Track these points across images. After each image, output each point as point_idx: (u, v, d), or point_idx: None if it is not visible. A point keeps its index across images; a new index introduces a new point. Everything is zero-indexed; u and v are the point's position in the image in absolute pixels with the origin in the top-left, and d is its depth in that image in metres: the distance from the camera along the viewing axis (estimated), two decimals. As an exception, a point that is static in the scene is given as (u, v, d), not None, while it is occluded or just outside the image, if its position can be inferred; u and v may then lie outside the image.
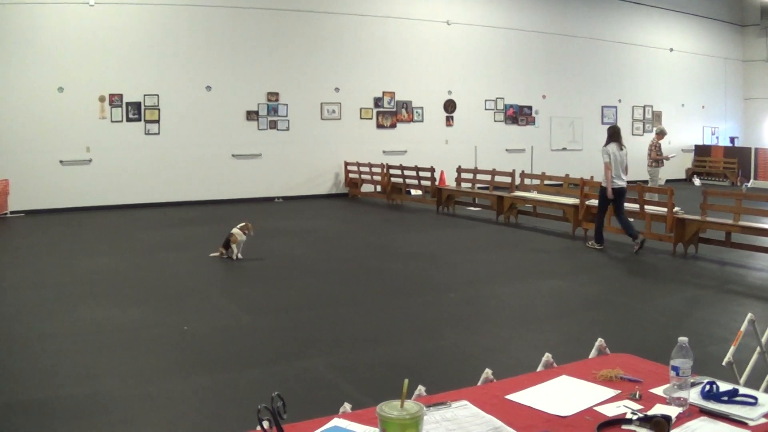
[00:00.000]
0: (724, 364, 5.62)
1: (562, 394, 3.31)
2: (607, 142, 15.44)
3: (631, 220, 15.63)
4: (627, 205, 15.68)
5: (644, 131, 33.50)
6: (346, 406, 3.22)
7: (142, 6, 23.41)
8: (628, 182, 15.62)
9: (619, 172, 15.11)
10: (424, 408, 2.61)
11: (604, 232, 15.68)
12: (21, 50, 22.00)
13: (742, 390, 3.23)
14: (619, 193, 15.17)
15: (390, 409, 2.56)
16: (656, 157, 21.80)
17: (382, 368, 7.76)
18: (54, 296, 11.50)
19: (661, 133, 22.34)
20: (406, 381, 2.66)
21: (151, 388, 7.27)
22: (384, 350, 8.46)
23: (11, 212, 21.76)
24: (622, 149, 15.36)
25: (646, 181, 22.17)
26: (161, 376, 7.63)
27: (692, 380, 3.16)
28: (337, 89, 26.60)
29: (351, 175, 26.55)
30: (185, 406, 6.85)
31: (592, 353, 3.98)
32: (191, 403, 6.93)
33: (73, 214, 21.94)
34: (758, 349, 5.79)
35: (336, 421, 2.99)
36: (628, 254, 14.76)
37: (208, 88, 24.58)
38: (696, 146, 34.97)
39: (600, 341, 4.00)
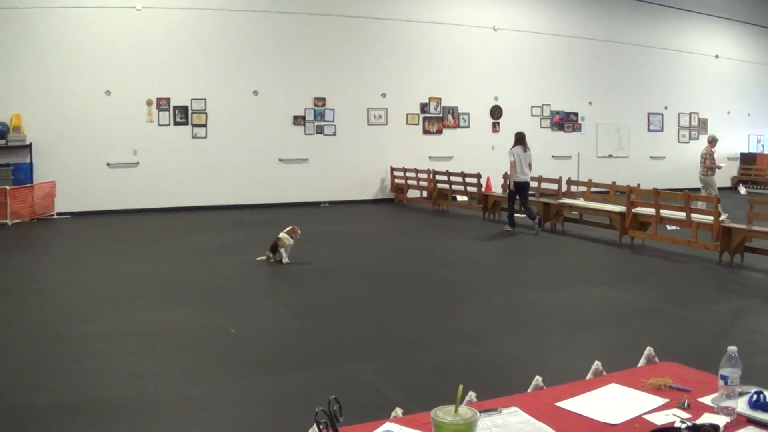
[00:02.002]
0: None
1: (612, 402, 3.30)
2: (513, 145, 19.01)
3: (676, 228, 15.74)
4: (672, 214, 15.84)
5: (690, 138, 33.31)
6: (398, 411, 3.22)
7: (189, 11, 23.59)
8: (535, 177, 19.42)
9: (523, 168, 18.74)
10: (478, 413, 2.62)
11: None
12: (69, 54, 22.25)
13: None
14: (522, 186, 18.89)
15: (444, 414, 2.57)
16: (711, 166, 21.58)
17: (430, 374, 7.75)
18: (101, 297, 11.59)
19: (713, 141, 22.10)
20: (461, 386, 2.67)
21: (197, 389, 7.32)
22: (431, 356, 8.44)
23: (57, 214, 21.98)
24: (525, 151, 18.89)
25: (696, 189, 22.06)
26: (208, 378, 7.67)
27: (740, 390, 3.15)
28: (383, 95, 26.63)
29: (397, 181, 26.56)
30: (231, 408, 6.87)
31: (641, 362, 3.96)
32: (237, 406, 6.94)
33: (119, 216, 22.14)
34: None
35: (387, 426, 2.99)
36: (673, 263, 14.65)
37: (255, 92, 24.68)
38: (741, 154, 34.66)
39: (649, 350, 3.98)
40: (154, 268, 14.04)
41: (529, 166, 18.97)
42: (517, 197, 19.12)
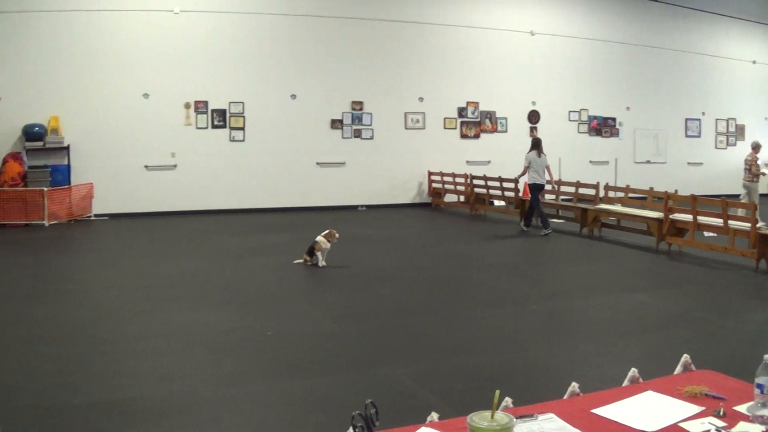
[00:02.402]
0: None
1: (648, 409, 3.30)
2: (529, 151, 20.44)
3: (714, 234, 15.74)
4: (709, 220, 15.74)
5: (727, 144, 33.07)
6: (434, 415, 3.23)
7: (226, 14, 23.73)
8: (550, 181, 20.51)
9: (539, 172, 19.96)
10: (514, 419, 2.63)
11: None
12: (107, 57, 22.48)
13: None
14: (537, 188, 20.02)
15: (480, 419, 2.58)
16: (756, 172, 21.37)
17: (465, 379, 7.73)
18: (137, 298, 11.67)
19: (757, 147, 21.87)
20: (498, 392, 2.68)
21: (233, 391, 7.33)
22: (467, 361, 8.42)
23: (95, 215, 22.15)
24: (540, 156, 20.10)
25: (734, 196, 21.92)
26: (244, 380, 7.69)
27: (776, 399, 3.15)
28: (421, 99, 26.66)
29: (434, 185, 26.58)
30: (267, 410, 6.90)
31: (678, 369, 3.96)
32: (273, 408, 6.98)
33: (156, 218, 22.30)
34: None
35: (423, 430, 3.01)
36: (709, 269, 14.55)
37: (293, 96, 24.78)
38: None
39: (685, 357, 3.98)
40: (192, 270, 14.13)
41: (547, 169, 20.21)
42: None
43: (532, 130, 28.54)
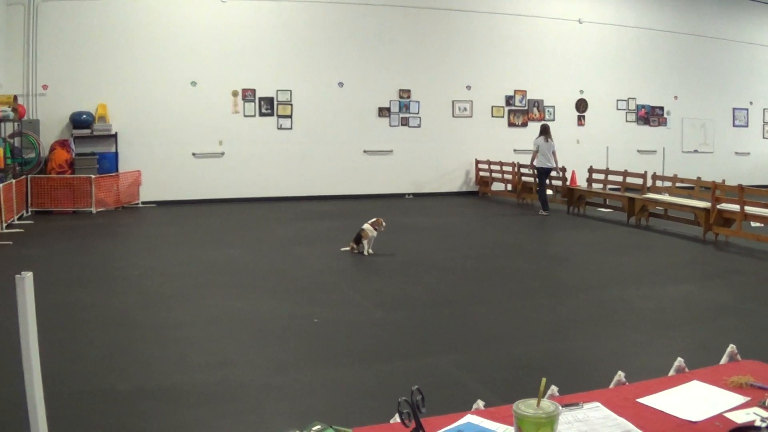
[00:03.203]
0: None
1: (693, 399, 3.28)
2: (538, 136, 21.95)
3: (761, 225, 15.56)
4: (757, 210, 15.59)
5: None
6: (479, 403, 3.22)
7: (273, 2, 23.84)
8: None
9: (548, 156, 21.51)
10: (560, 407, 2.63)
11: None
12: (155, 44, 22.67)
13: None
14: (545, 172, 21.63)
15: (526, 407, 2.58)
16: None
17: (511, 367, 7.73)
18: (185, 285, 11.80)
19: None
20: (544, 380, 2.68)
21: (279, 378, 7.39)
22: (513, 350, 8.42)
23: (143, 202, 22.31)
24: (548, 141, 21.56)
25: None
26: (290, 367, 7.74)
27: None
28: (468, 87, 26.63)
29: (481, 174, 26.54)
30: (313, 397, 6.93)
31: (723, 359, 3.94)
32: (319, 395, 7.00)
33: (204, 205, 22.46)
34: None
35: (469, 418, 3.01)
36: (756, 260, 14.42)
37: (341, 84, 24.84)
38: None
39: (731, 347, 3.96)
40: (239, 257, 14.23)
41: (553, 154, 21.62)
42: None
43: (580, 119, 28.45)
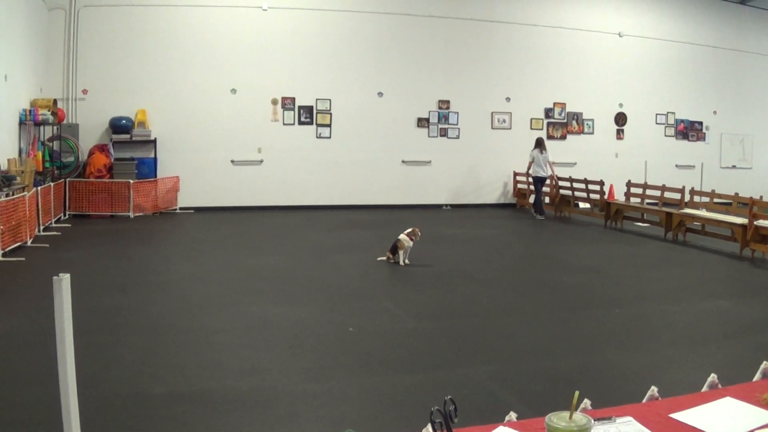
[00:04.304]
0: None
1: (726, 415, 3.28)
2: (533, 148, 23.91)
3: None
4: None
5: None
6: (512, 415, 3.23)
7: (314, 11, 23.93)
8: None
9: (542, 166, 23.56)
10: (592, 421, 2.63)
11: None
12: (195, 51, 22.85)
13: None
14: (540, 180, 23.66)
15: (559, 419, 2.58)
16: None
17: (544, 380, 7.70)
18: (221, 291, 11.85)
19: None
20: (577, 393, 2.68)
21: (314, 385, 7.39)
22: (546, 362, 8.39)
23: (180, 208, 22.43)
24: (542, 153, 23.64)
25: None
26: (325, 375, 7.75)
27: None
28: (507, 99, 26.61)
29: (519, 186, 26.47)
30: (347, 405, 6.93)
31: (757, 376, 3.92)
32: (353, 403, 7.01)
33: (241, 212, 22.60)
34: None
35: (501, 429, 3.01)
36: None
37: (380, 94, 24.88)
38: None
39: (765, 364, 3.94)
40: (276, 264, 14.28)
41: (549, 164, 23.76)
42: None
43: (619, 132, 28.36)
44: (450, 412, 2.75)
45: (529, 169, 23.86)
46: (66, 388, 3.31)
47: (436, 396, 3.06)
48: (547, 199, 24.78)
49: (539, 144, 23.72)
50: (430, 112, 25.77)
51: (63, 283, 3.25)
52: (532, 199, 24.38)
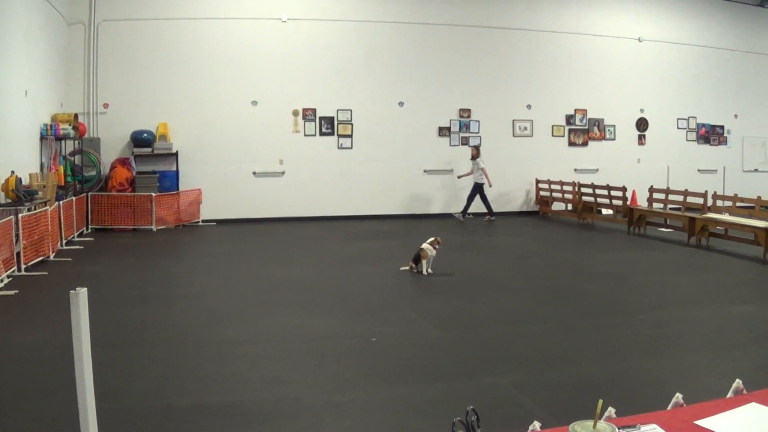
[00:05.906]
0: None
1: (751, 421, 3.25)
2: (478, 155, 24.72)
3: None
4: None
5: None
6: (536, 425, 3.21)
7: (334, 22, 23.96)
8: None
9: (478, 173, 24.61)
10: (616, 429, 2.61)
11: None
12: (216, 64, 22.92)
13: None
14: (480, 186, 24.58)
15: (582, 428, 2.57)
16: None
17: (569, 388, 7.68)
18: (245, 303, 11.88)
19: None
20: (600, 401, 2.67)
21: (337, 396, 7.39)
22: (571, 370, 8.36)
23: (203, 221, 22.48)
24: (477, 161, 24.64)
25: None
26: (348, 385, 7.75)
27: None
28: (528, 106, 26.56)
29: (542, 193, 26.42)
30: (371, 416, 6.94)
31: (784, 381, 3.91)
32: (375, 414, 7.01)
33: (263, 224, 22.64)
34: None
35: (525, 438, 3.01)
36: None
37: (401, 103, 24.89)
38: None
39: (792, 369, 3.93)
40: (298, 275, 14.29)
41: (483, 171, 24.53)
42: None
43: (640, 138, 28.28)
44: (472, 422, 2.73)
45: (467, 174, 25.01)
46: (84, 401, 3.31)
47: (460, 406, 3.04)
48: (570, 206, 24.75)
49: (477, 153, 24.85)
50: (451, 120, 25.78)
51: (80, 297, 3.26)
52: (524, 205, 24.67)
